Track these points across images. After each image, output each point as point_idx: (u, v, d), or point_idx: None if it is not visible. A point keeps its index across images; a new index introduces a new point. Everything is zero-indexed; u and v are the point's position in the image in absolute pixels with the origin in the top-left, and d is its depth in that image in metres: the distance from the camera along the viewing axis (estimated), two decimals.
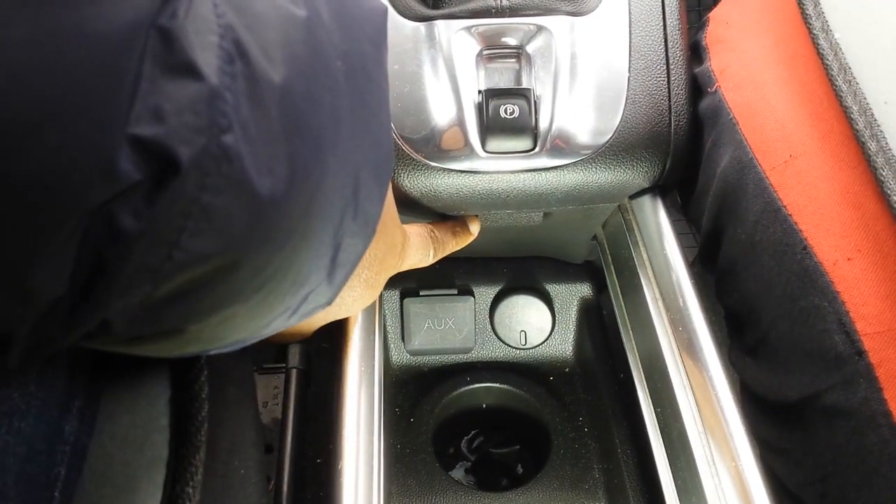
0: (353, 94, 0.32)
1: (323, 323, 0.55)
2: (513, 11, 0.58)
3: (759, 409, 0.53)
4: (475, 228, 0.64)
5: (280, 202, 0.26)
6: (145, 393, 0.37)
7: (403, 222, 0.60)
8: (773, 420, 0.51)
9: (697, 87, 0.59)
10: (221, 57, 0.24)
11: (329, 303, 0.38)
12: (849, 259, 0.45)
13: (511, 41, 0.58)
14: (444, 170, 0.57)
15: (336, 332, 0.56)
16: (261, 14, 0.26)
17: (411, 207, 0.60)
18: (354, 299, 0.51)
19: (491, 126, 0.55)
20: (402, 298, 0.78)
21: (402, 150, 0.56)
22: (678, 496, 0.53)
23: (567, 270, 0.81)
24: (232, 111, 0.24)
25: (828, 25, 0.48)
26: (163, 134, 0.22)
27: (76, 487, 0.33)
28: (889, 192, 0.42)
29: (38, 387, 0.31)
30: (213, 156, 0.23)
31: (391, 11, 0.58)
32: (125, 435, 0.36)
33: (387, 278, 0.54)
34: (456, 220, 0.64)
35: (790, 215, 0.48)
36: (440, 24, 0.57)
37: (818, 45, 0.48)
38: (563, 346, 0.80)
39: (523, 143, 0.56)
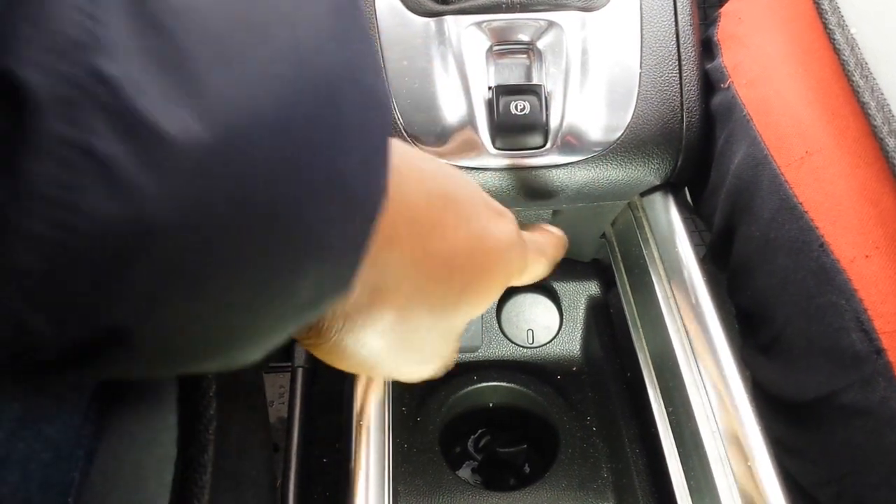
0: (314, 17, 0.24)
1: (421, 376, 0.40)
2: (523, 7, 0.57)
3: (773, 408, 0.53)
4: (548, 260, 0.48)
5: (210, 148, 0.20)
6: (152, 391, 0.37)
7: None
8: (788, 419, 0.51)
9: (709, 84, 0.58)
10: None
11: (349, 287, 0.28)
12: (867, 256, 0.44)
13: (522, 37, 0.57)
14: (454, 167, 0.56)
15: None
16: None
17: None
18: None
19: (501, 123, 0.55)
20: None
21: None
22: (690, 496, 0.53)
23: (575, 268, 0.80)
24: (99, 27, 0.18)
25: (843, 20, 0.48)
26: (5, 60, 0.17)
27: (85, 490, 0.32)
28: None
29: (70, 389, 0.31)
30: (81, 83, 0.18)
31: (400, 6, 0.57)
32: (133, 434, 0.35)
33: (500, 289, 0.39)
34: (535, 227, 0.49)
35: (806, 212, 0.47)
36: (450, 20, 0.57)
37: (834, 40, 0.47)
38: (571, 344, 0.79)
39: (534, 139, 0.55)
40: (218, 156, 0.20)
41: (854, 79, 0.45)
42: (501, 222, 0.37)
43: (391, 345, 0.35)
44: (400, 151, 0.31)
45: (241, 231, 0.22)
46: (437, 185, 0.34)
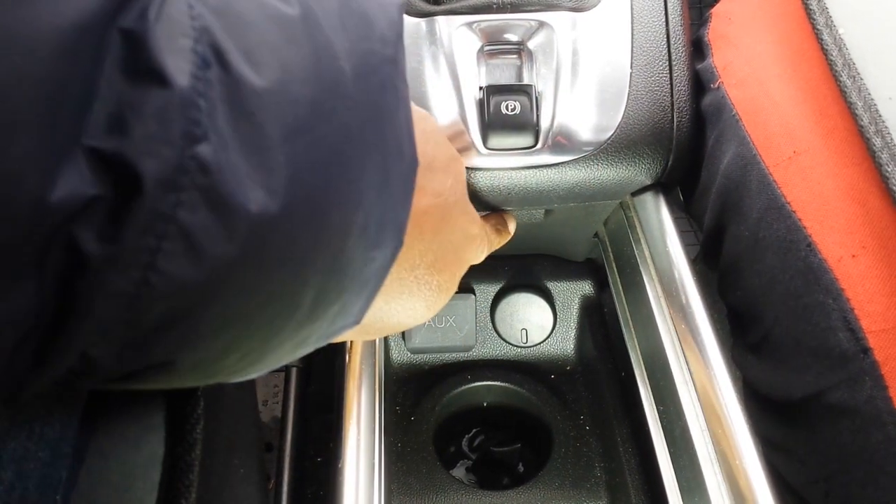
0: (365, 98, 0.29)
1: (396, 330, 0.47)
2: (514, 7, 0.58)
3: (762, 407, 0.53)
4: (512, 226, 0.60)
5: (275, 218, 0.24)
6: (141, 391, 0.37)
7: None
8: (777, 418, 0.51)
9: (700, 84, 0.58)
10: (194, 62, 0.22)
11: (357, 322, 0.34)
12: (853, 256, 0.44)
13: (512, 37, 0.57)
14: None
15: None
16: (243, 14, 0.24)
17: None
18: (428, 306, 0.45)
19: (492, 122, 0.55)
20: None
21: None
22: (681, 495, 0.53)
23: (568, 268, 0.80)
24: (206, 119, 0.22)
25: (832, 21, 0.48)
26: (124, 146, 0.20)
27: (73, 488, 0.33)
28: (894, 188, 0.42)
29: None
30: (186, 169, 0.21)
31: None
32: (121, 432, 0.35)
33: (461, 274, 0.48)
34: (494, 216, 0.60)
35: (794, 212, 0.47)
36: (441, 20, 0.57)
37: (822, 40, 0.48)
38: (565, 344, 0.79)
39: (525, 139, 0.55)
40: (280, 223, 0.24)
41: (842, 79, 0.46)
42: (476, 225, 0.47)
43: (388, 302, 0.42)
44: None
45: (283, 277, 0.26)
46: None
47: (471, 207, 0.48)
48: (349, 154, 0.28)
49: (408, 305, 0.43)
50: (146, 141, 0.20)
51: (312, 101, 0.26)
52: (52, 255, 0.20)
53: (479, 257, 0.52)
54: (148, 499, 0.35)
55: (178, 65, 0.21)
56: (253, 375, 0.32)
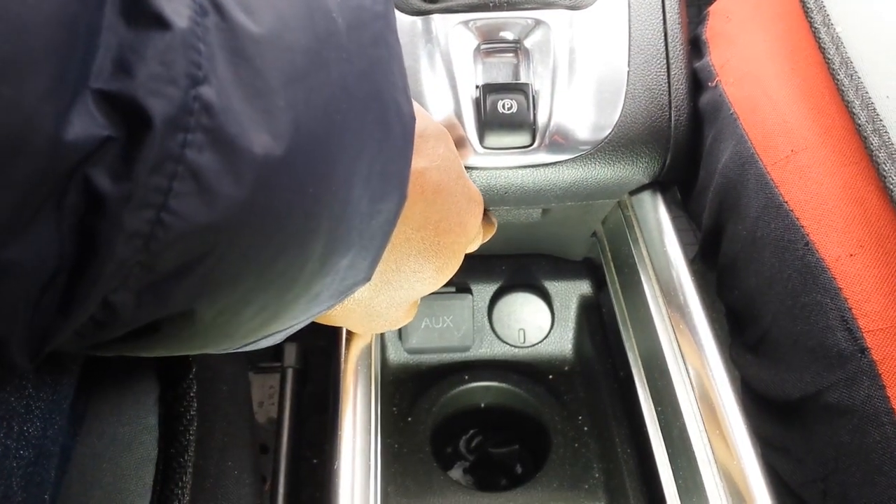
0: (358, 50, 0.30)
1: (408, 300, 0.47)
2: (510, 5, 0.57)
3: (761, 406, 0.52)
4: (495, 220, 0.60)
5: (280, 162, 0.25)
6: (133, 390, 0.37)
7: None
8: (775, 418, 0.51)
9: (698, 82, 0.58)
10: (192, 8, 0.22)
11: (367, 279, 0.35)
12: (851, 255, 0.44)
13: (509, 35, 0.57)
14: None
15: (332, 331, 0.56)
16: None
17: None
18: (437, 269, 0.44)
19: (489, 121, 0.54)
20: None
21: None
22: (679, 496, 0.53)
23: (566, 268, 0.80)
24: (206, 62, 0.22)
25: (829, 19, 0.48)
26: (130, 87, 0.21)
27: (61, 488, 0.32)
28: (892, 187, 0.41)
29: (37, 388, 0.31)
30: (190, 109, 0.22)
31: None
32: (113, 434, 0.35)
33: (467, 244, 0.47)
34: None
35: (792, 211, 0.47)
36: (437, 19, 0.57)
37: (819, 38, 0.47)
38: (563, 344, 0.79)
39: (521, 138, 0.55)
40: (286, 167, 0.25)
41: (839, 77, 0.45)
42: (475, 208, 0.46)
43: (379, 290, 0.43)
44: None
45: (294, 224, 0.27)
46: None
47: (467, 175, 0.47)
48: (348, 104, 0.29)
49: (417, 269, 0.43)
50: (151, 81, 0.21)
51: (308, 50, 0.26)
52: (69, 195, 0.21)
53: (476, 236, 0.51)
54: (140, 500, 0.35)
55: (177, 9, 0.22)
56: (270, 338, 0.33)
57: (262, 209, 0.25)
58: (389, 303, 0.45)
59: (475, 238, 0.51)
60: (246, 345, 0.32)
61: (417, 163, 0.39)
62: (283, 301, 0.30)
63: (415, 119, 0.34)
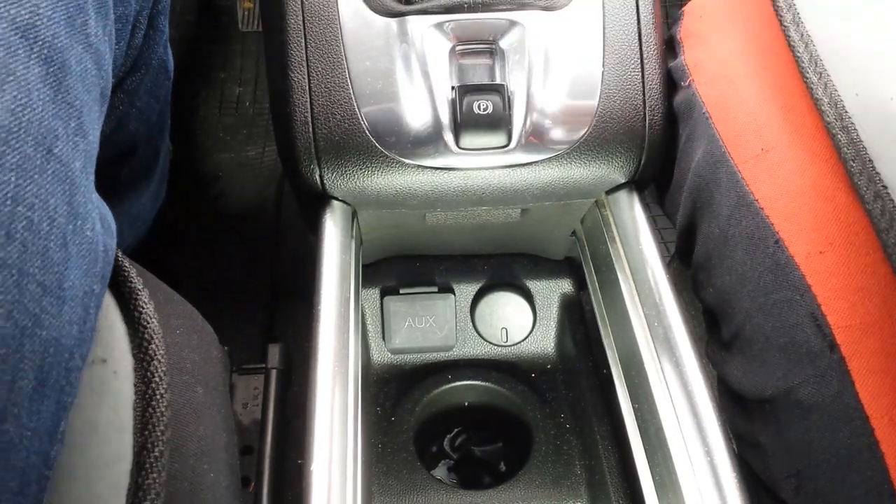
0: None
1: None
2: (485, 7, 0.58)
3: (735, 403, 0.53)
4: None
5: None
6: (108, 392, 0.37)
7: (381, 217, 0.58)
8: (749, 414, 0.51)
9: (672, 82, 0.58)
10: None
11: None
12: (821, 252, 0.44)
13: (484, 36, 0.57)
14: (419, 167, 0.56)
15: (312, 331, 0.56)
16: None
17: (386, 204, 0.60)
18: None
19: (464, 122, 0.55)
20: (382, 296, 0.77)
21: (376, 147, 0.56)
22: (656, 492, 0.53)
23: (547, 267, 0.81)
24: None
25: (799, 17, 0.48)
26: None
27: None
28: (860, 183, 0.42)
29: (29, 418, 0.31)
30: None
31: (363, 7, 0.57)
32: (85, 437, 0.35)
33: None
34: None
35: (762, 209, 0.47)
36: (412, 20, 0.57)
37: (789, 36, 0.48)
38: (545, 342, 0.79)
39: (498, 138, 0.55)
40: None
41: (808, 75, 0.46)
42: None
43: None
44: None
45: None
46: None
47: None
48: None
49: None
50: None
51: None
52: None
53: None
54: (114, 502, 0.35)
55: None
56: None
57: None
58: None
59: None
60: None
61: None
62: None
63: None
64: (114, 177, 0.67)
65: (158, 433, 0.37)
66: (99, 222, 0.36)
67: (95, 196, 0.37)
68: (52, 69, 0.32)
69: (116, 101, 0.57)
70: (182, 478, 0.40)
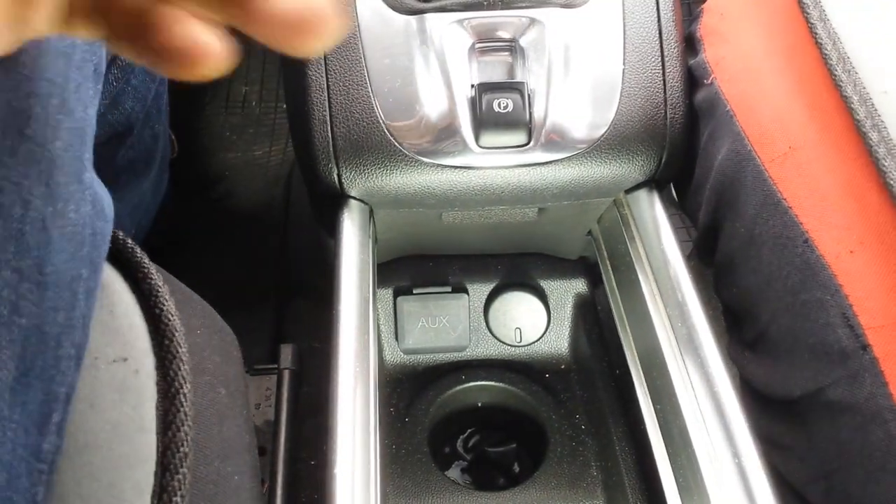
0: None
1: None
2: (505, 4, 0.57)
3: (760, 404, 0.52)
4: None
5: None
6: (129, 391, 0.36)
7: (397, 216, 0.57)
8: (775, 416, 0.51)
9: (693, 79, 0.58)
10: None
11: None
12: (851, 252, 0.44)
13: (504, 34, 0.57)
14: (438, 166, 0.56)
15: (328, 333, 0.55)
16: None
17: (404, 203, 0.59)
18: None
19: (484, 120, 0.54)
20: (395, 297, 0.77)
21: (395, 146, 0.55)
22: (679, 494, 0.52)
23: (562, 266, 0.80)
24: None
25: (825, 14, 0.48)
26: None
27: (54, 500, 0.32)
28: (891, 183, 0.41)
29: (12, 409, 0.30)
30: None
31: (381, 4, 0.57)
32: (108, 443, 0.35)
33: None
34: None
35: (790, 208, 0.47)
36: (431, 18, 0.56)
37: (816, 34, 0.47)
38: (559, 342, 0.79)
39: (517, 137, 0.55)
40: None
41: (836, 73, 0.45)
42: None
43: None
44: None
45: None
46: None
47: None
48: None
49: None
50: None
51: None
52: None
53: None
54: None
55: None
56: None
57: None
58: None
59: None
60: None
61: None
62: None
63: None
64: (111, 158, 0.66)
65: (183, 434, 0.37)
66: (90, 204, 0.35)
67: (88, 176, 0.35)
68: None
69: (111, 77, 0.56)
70: (206, 480, 0.39)
